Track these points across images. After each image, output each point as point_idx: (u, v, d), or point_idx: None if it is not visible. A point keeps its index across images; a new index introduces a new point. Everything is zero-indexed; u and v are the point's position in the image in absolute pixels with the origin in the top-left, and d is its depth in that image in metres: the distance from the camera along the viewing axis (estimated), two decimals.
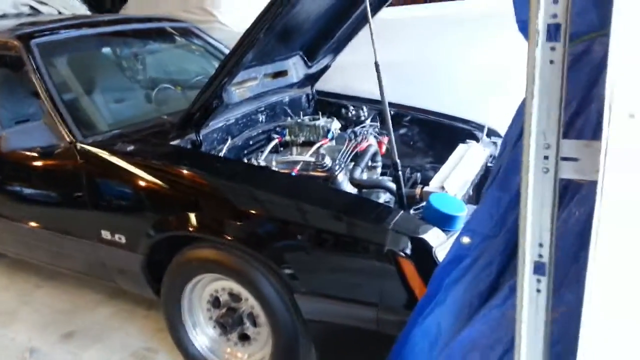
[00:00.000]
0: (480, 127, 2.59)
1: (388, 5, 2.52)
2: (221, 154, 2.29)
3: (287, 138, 2.53)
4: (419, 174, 2.51)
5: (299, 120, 2.59)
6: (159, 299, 2.17)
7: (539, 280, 0.93)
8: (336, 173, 2.12)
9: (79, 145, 2.18)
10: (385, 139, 2.50)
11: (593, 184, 0.87)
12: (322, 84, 2.98)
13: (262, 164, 2.27)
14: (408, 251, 1.60)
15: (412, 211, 1.93)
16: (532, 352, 0.96)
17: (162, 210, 2.02)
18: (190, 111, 2.16)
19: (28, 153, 2.27)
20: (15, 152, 2.21)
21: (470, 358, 1.14)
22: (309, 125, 2.53)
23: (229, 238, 1.87)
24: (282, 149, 2.54)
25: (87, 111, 2.44)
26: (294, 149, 2.51)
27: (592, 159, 0.88)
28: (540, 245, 0.92)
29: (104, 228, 2.13)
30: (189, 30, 3.22)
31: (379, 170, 2.44)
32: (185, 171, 2.00)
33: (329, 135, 2.47)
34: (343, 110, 2.82)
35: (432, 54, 3.10)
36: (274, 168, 2.24)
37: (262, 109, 2.62)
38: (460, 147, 2.34)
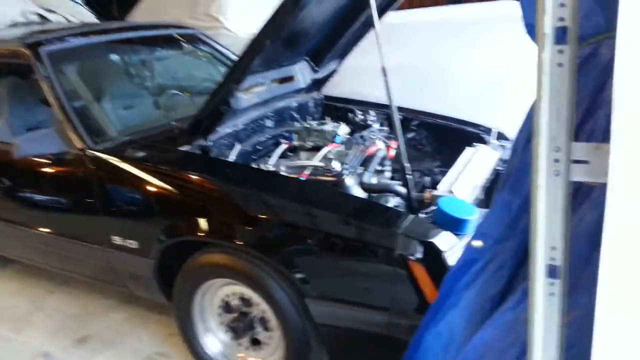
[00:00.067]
0: (489, 131, 2.58)
1: (394, 10, 2.52)
2: (230, 160, 2.30)
3: (296, 143, 2.54)
4: (428, 178, 2.51)
5: (307, 125, 2.60)
6: (171, 304, 2.19)
7: (552, 284, 0.93)
8: (345, 177, 2.13)
9: (89, 152, 2.20)
10: (393, 143, 2.50)
11: (604, 186, 0.87)
12: (330, 89, 2.99)
13: (271, 169, 2.28)
14: (419, 255, 1.61)
15: (421, 215, 1.93)
16: (546, 356, 0.95)
17: (172, 216, 2.04)
18: (199, 117, 2.18)
19: (39, 160, 2.29)
20: (26, 159, 2.23)
21: None
22: (317, 129, 2.54)
23: (239, 243, 1.88)
24: (290, 154, 2.55)
25: (97, 118, 2.46)
26: (302, 153, 2.52)
27: (602, 162, 0.88)
28: (553, 248, 0.92)
29: (115, 233, 2.15)
30: (195, 36, 3.24)
31: (388, 174, 2.44)
32: (194, 176, 2.01)
33: (337, 140, 2.48)
34: (350, 115, 2.83)
35: (439, 57, 3.10)
36: (282, 173, 2.24)
37: (270, 114, 2.63)
38: (469, 151, 2.34)
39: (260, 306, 1.97)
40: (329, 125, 2.58)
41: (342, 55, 2.77)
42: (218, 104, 2.14)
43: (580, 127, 1.04)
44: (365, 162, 2.34)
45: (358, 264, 1.73)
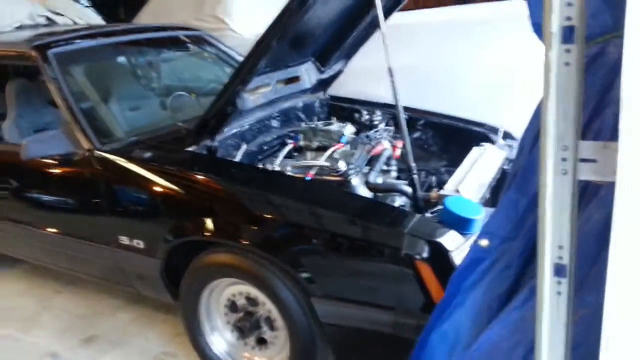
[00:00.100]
0: (495, 130, 2.58)
1: (399, 10, 2.52)
2: (236, 160, 2.31)
3: (301, 143, 2.55)
4: (434, 178, 2.51)
5: (312, 125, 2.61)
6: (177, 304, 2.20)
7: (559, 283, 0.92)
8: (351, 177, 2.13)
9: (96, 152, 2.22)
10: (399, 143, 2.50)
11: (611, 185, 0.87)
12: (336, 89, 2.99)
13: (277, 169, 2.29)
14: (425, 254, 1.61)
15: (428, 214, 1.93)
16: (553, 355, 0.95)
17: (179, 216, 2.04)
18: (205, 118, 2.19)
19: (47, 161, 2.30)
20: (34, 160, 2.25)
21: None
22: (323, 130, 2.54)
23: (245, 242, 1.88)
24: (296, 154, 2.56)
25: (104, 119, 2.48)
26: (308, 153, 2.52)
27: (610, 160, 0.88)
28: (560, 247, 0.92)
29: (123, 234, 2.16)
30: (202, 38, 3.26)
31: (394, 174, 2.44)
32: (201, 177, 2.02)
33: (343, 140, 2.48)
34: (356, 115, 2.83)
35: (445, 57, 3.10)
36: (288, 173, 2.25)
37: (276, 114, 2.64)
38: (475, 150, 2.33)
39: (266, 306, 1.97)
40: (335, 125, 2.59)
41: (348, 55, 2.78)
42: (224, 105, 2.15)
43: (587, 125, 1.03)
44: (371, 161, 2.34)
45: (364, 264, 1.73)
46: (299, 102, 2.80)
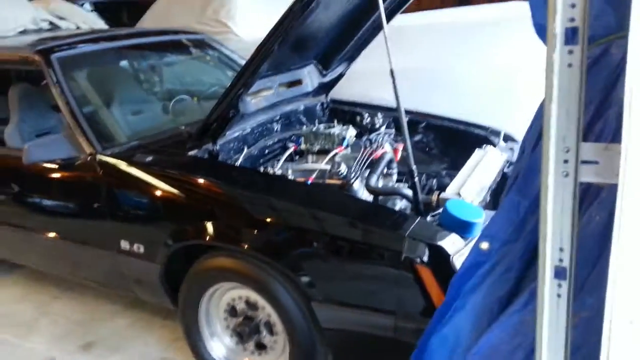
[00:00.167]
0: (496, 133, 2.57)
1: (402, 12, 2.52)
2: (238, 164, 2.31)
3: (303, 146, 2.54)
4: (435, 181, 2.50)
5: (314, 129, 2.60)
6: (176, 309, 2.19)
7: (559, 285, 0.91)
8: (352, 181, 2.12)
9: (98, 156, 2.21)
10: (400, 146, 2.50)
11: (613, 187, 0.86)
12: (338, 92, 2.99)
13: (278, 172, 2.28)
14: (425, 258, 1.60)
15: (429, 218, 1.92)
16: (553, 357, 0.94)
17: (180, 220, 2.04)
18: (208, 121, 2.19)
19: (49, 165, 2.30)
20: (36, 164, 2.25)
21: None
22: (324, 133, 2.54)
23: (245, 246, 1.88)
24: (297, 157, 2.55)
25: (106, 123, 2.48)
26: (310, 157, 2.52)
27: (612, 162, 0.87)
28: (561, 249, 0.91)
29: (123, 238, 2.16)
30: (204, 42, 3.26)
31: (395, 177, 2.43)
32: (202, 181, 2.02)
33: (344, 143, 2.48)
34: (358, 118, 2.83)
35: (447, 59, 3.10)
36: (289, 177, 2.24)
37: (278, 118, 2.64)
38: (477, 153, 2.33)
39: (266, 310, 1.96)
40: (337, 129, 2.58)
41: (351, 58, 2.78)
42: (226, 108, 2.14)
43: (589, 127, 1.03)
44: (373, 165, 2.33)
45: (364, 267, 1.72)
46: (300, 106, 2.80)
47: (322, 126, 2.66)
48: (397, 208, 2.06)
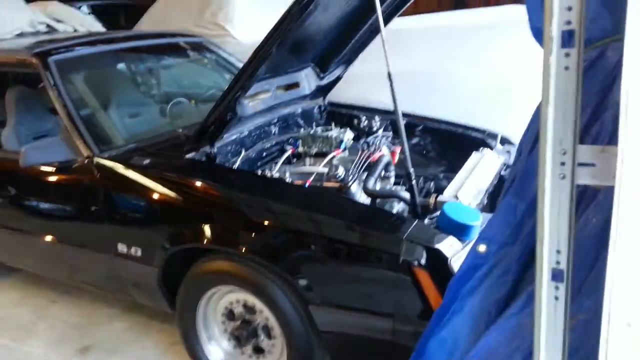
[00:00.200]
0: (494, 136, 2.58)
1: (399, 15, 2.53)
2: (235, 166, 2.31)
3: (300, 149, 2.54)
4: (432, 183, 2.50)
5: (311, 132, 2.60)
6: (174, 312, 2.18)
7: (557, 287, 0.91)
8: (349, 183, 2.12)
9: (95, 159, 2.21)
10: (398, 149, 2.50)
11: (610, 189, 0.87)
12: (336, 95, 2.99)
13: (276, 175, 2.28)
14: (423, 261, 1.60)
15: (426, 220, 1.92)
16: None
17: (177, 223, 2.03)
18: (205, 124, 2.18)
19: (46, 168, 2.30)
20: (33, 167, 2.24)
21: None
22: (322, 136, 2.54)
23: (243, 250, 1.87)
24: (295, 160, 2.55)
25: (104, 126, 2.48)
26: (307, 160, 2.52)
27: (608, 165, 0.87)
28: (558, 252, 0.91)
29: (121, 241, 2.15)
30: (202, 44, 3.27)
31: (392, 180, 2.44)
32: (200, 184, 2.02)
33: (342, 146, 2.48)
34: (355, 121, 2.83)
35: (444, 62, 3.10)
36: (287, 179, 2.24)
37: (275, 120, 2.64)
38: (474, 156, 2.33)
39: (264, 313, 1.96)
40: (334, 132, 2.58)
41: (348, 61, 2.78)
42: (224, 111, 2.14)
43: (586, 129, 1.03)
44: (370, 167, 2.33)
45: (362, 270, 1.72)
46: (298, 108, 2.80)
47: (319, 129, 2.66)
48: (394, 211, 2.06)
